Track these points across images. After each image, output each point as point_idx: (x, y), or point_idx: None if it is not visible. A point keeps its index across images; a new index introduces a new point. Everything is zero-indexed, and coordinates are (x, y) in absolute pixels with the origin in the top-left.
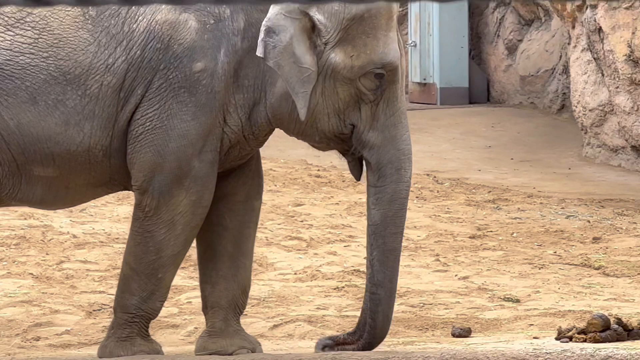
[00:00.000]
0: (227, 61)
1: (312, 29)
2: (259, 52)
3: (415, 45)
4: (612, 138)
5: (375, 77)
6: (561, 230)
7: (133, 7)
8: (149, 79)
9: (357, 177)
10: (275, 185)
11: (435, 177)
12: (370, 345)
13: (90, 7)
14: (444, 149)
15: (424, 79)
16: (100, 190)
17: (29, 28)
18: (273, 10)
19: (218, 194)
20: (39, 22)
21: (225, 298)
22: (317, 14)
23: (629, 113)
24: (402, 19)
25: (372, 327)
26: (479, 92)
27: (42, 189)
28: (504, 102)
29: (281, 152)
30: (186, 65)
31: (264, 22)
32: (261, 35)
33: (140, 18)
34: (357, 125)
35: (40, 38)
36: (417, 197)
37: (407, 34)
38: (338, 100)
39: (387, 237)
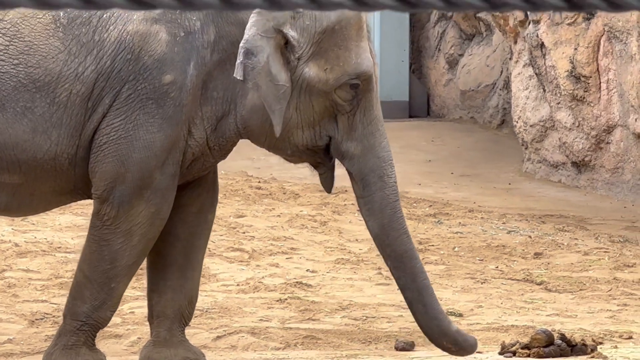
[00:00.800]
0: (195, 74)
1: (285, 46)
2: (238, 75)
3: None
4: (552, 154)
5: (350, 87)
6: (503, 245)
7: (104, 16)
8: (118, 89)
9: (328, 190)
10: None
11: None
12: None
13: (62, 14)
14: None
15: None
16: (64, 198)
17: (0, 35)
18: (250, 31)
19: (173, 204)
20: (10, 29)
21: (172, 308)
22: (290, 31)
23: (569, 129)
24: None
25: (421, 328)
26: (419, 106)
27: (6, 196)
28: (444, 116)
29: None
30: (155, 77)
31: (241, 44)
32: (239, 57)
33: (111, 28)
34: (335, 136)
35: (11, 45)
36: (357, 210)
37: None
38: (313, 113)
39: (392, 244)
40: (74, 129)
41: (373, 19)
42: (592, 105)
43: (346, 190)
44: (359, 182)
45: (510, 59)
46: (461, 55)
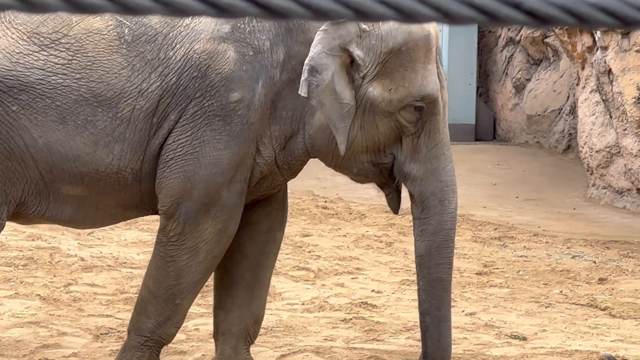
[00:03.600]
0: (264, 93)
1: (350, 64)
2: (303, 92)
3: None
4: (617, 180)
5: (415, 109)
6: (567, 270)
7: (170, 34)
8: (184, 106)
9: (395, 210)
10: None
11: None
12: None
13: (126, 32)
14: None
15: None
16: (129, 212)
17: (64, 49)
18: (315, 49)
19: (241, 222)
20: (74, 44)
21: (238, 326)
22: (356, 49)
23: (636, 155)
24: None
25: (425, 353)
26: (485, 129)
27: (71, 208)
28: (509, 140)
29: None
30: (223, 94)
31: (306, 62)
32: (304, 74)
33: (177, 46)
34: (398, 157)
35: (74, 59)
36: None
37: None
38: (378, 133)
39: (432, 268)
40: (138, 144)
41: (442, 42)
42: None
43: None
44: (419, 204)
45: (577, 84)
46: (528, 79)
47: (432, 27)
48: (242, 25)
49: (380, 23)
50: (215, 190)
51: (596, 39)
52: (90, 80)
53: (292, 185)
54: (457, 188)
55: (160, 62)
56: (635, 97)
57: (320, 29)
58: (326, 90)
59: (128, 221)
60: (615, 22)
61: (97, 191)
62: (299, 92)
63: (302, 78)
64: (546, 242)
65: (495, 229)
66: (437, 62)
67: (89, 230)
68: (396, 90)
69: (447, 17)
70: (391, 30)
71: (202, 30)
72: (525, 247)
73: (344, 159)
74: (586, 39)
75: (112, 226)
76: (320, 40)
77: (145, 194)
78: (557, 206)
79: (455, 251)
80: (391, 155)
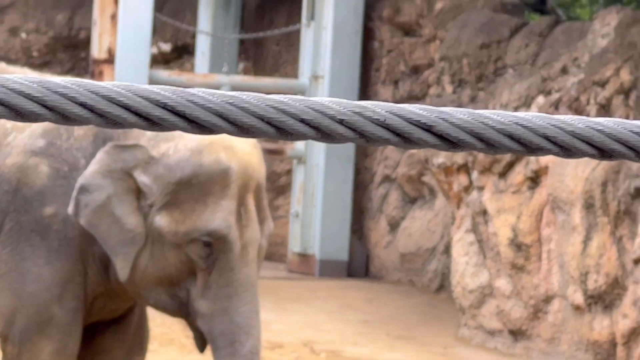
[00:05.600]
0: None
1: (138, 190)
2: (70, 210)
3: (297, 215)
4: (489, 320)
5: (204, 245)
6: None
7: None
8: (0, 222)
9: (200, 348)
10: (152, 345)
11: (312, 347)
12: None
13: None
14: (321, 320)
15: (305, 250)
16: None
17: None
18: (91, 167)
19: (96, 349)
20: None
21: None
22: (141, 176)
23: (508, 297)
24: (286, 187)
25: None
26: (358, 266)
27: None
28: (382, 277)
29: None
30: (36, 209)
31: (78, 179)
32: (74, 192)
33: None
34: (192, 292)
35: None
36: None
37: (289, 203)
38: (168, 265)
39: None
40: None
41: (318, 177)
42: (531, 274)
43: (281, 346)
44: (211, 344)
45: (452, 224)
46: (403, 217)
47: (238, 162)
48: (59, 142)
49: (171, 152)
50: (45, 308)
51: (472, 179)
52: None
53: (162, 314)
54: (255, 331)
55: None
56: (509, 238)
57: (103, 149)
58: (99, 212)
59: None
60: (520, 148)
61: None
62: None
63: (72, 195)
64: None
65: None
66: (243, 198)
67: None
68: (183, 222)
69: (363, 137)
70: (180, 160)
71: (16, 145)
72: None
73: (141, 288)
74: (462, 179)
75: None
76: (99, 161)
77: None
78: (428, 345)
79: None
80: (186, 290)
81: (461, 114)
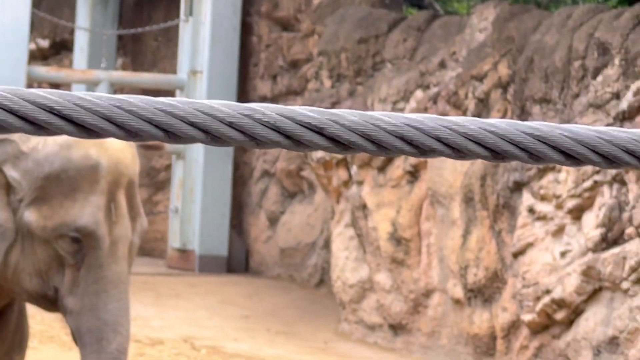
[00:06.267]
0: None
1: (8, 185)
2: None
3: (176, 211)
4: (370, 315)
5: (72, 240)
6: None
7: None
8: None
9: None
10: (32, 343)
11: (192, 343)
12: None
13: None
14: (201, 316)
15: (184, 245)
16: None
17: None
18: None
19: None
20: None
21: None
22: (10, 170)
23: (388, 291)
24: (165, 183)
25: None
26: (238, 261)
27: None
28: (262, 273)
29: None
30: None
31: None
32: None
33: None
34: (61, 288)
35: None
36: None
37: (169, 198)
38: (37, 260)
39: None
40: None
41: (197, 173)
42: (411, 268)
43: (162, 342)
44: (78, 341)
45: (332, 218)
46: (282, 212)
47: (108, 158)
48: None
49: (41, 146)
50: None
51: (352, 173)
52: None
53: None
54: (124, 329)
55: None
56: (389, 233)
57: None
58: None
59: None
60: (412, 150)
61: None
62: None
63: None
64: None
65: None
66: (113, 194)
67: None
68: (52, 217)
69: (254, 140)
70: (49, 155)
71: None
72: None
73: (13, 284)
74: (342, 173)
75: None
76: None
77: None
78: (309, 340)
79: None
80: (56, 286)
81: (352, 116)
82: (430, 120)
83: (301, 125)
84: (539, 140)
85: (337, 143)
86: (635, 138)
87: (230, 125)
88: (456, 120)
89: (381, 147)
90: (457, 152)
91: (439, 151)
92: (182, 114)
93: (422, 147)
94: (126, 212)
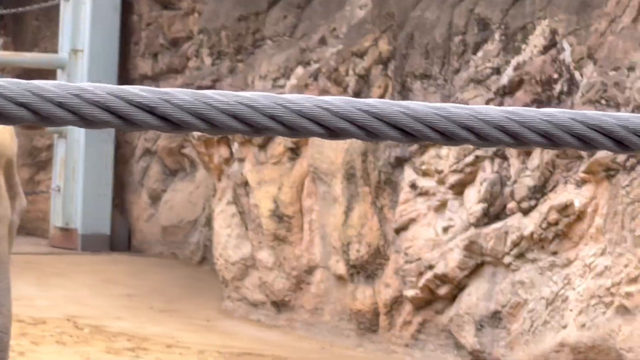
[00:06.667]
0: None
1: None
2: None
3: (59, 190)
4: (252, 292)
5: None
6: None
7: None
8: None
9: None
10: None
11: (75, 322)
12: None
13: None
14: (84, 295)
15: (67, 224)
16: None
17: None
18: None
19: None
20: None
21: None
22: None
23: (270, 268)
24: (48, 162)
25: None
26: (120, 240)
27: None
28: (145, 251)
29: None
30: None
31: None
32: None
33: None
34: None
35: None
36: (57, 342)
37: (51, 178)
38: None
39: None
40: None
41: (79, 152)
42: (293, 245)
43: (44, 322)
44: None
45: (214, 196)
46: (164, 190)
47: None
48: None
49: None
50: None
51: (233, 150)
52: None
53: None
54: (5, 309)
55: None
56: (271, 210)
57: None
58: None
59: None
60: (246, 128)
61: None
62: None
63: None
64: (180, 353)
65: (129, 339)
66: None
67: None
68: None
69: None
70: None
71: None
72: (158, 358)
73: None
74: (223, 151)
75: None
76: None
77: None
78: (192, 317)
79: None
80: None
81: (184, 95)
82: (264, 98)
83: (132, 104)
84: (375, 118)
85: (168, 122)
86: (472, 114)
87: (60, 105)
88: (291, 98)
89: (214, 126)
90: (291, 130)
91: (272, 129)
92: (11, 94)
93: (255, 125)
94: (5, 192)
